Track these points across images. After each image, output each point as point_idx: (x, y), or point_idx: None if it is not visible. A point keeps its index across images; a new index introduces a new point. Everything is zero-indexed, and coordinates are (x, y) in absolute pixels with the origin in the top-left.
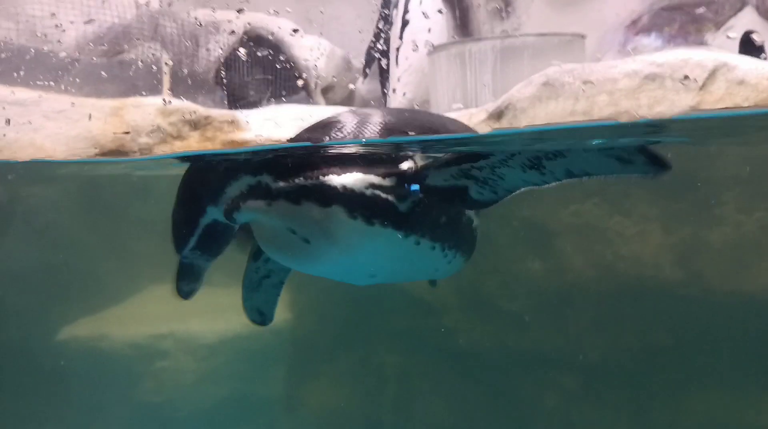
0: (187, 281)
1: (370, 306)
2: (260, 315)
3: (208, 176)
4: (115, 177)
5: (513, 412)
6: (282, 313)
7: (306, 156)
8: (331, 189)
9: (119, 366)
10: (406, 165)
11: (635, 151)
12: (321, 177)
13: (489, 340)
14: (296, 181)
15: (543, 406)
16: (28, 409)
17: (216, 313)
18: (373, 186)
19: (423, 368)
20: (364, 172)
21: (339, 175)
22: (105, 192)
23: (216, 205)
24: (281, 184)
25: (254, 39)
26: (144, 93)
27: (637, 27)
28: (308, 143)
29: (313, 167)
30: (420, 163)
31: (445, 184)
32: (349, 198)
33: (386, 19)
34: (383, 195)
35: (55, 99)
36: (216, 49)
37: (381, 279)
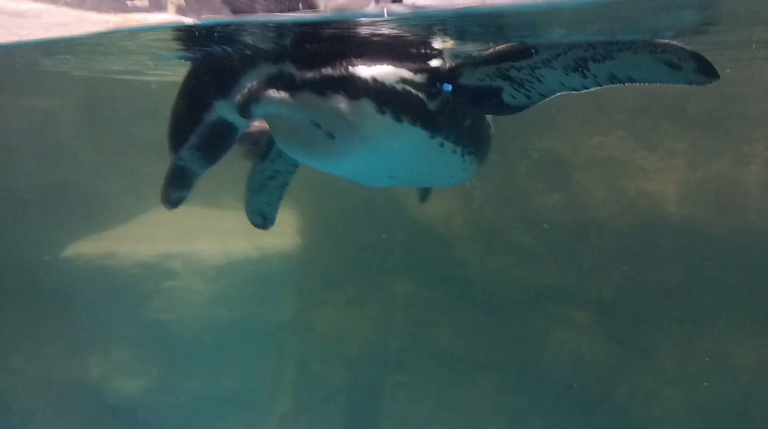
0: (176, 187)
1: (382, 234)
2: (262, 217)
3: (219, 66)
4: (121, 93)
5: (521, 345)
6: (292, 237)
7: (333, 42)
8: (361, 81)
9: (126, 284)
10: (438, 61)
11: (687, 56)
12: (350, 67)
13: (500, 272)
14: (323, 71)
15: (552, 339)
16: (30, 325)
17: (226, 235)
18: (404, 81)
19: (433, 298)
20: (396, 66)
21: (369, 66)
22: (109, 109)
23: (226, 98)
24: (306, 73)
25: None
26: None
27: None
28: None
29: (341, 56)
30: (451, 61)
31: (480, 84)
32: (379, 91)
33: None
34: (414, 91)
35: (56, 12)
36: None
37: (399, 181)
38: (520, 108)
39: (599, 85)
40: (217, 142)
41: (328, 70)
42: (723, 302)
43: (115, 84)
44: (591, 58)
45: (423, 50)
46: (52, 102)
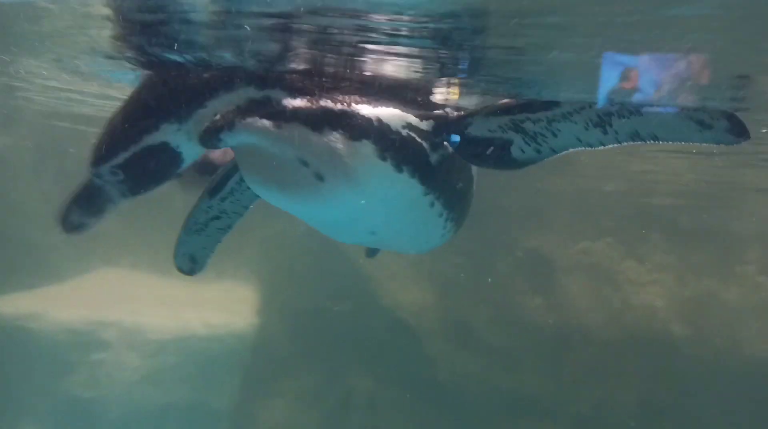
0: (82, 209)
1: (347, 320)
2: (192, 262)
3: (180, 84)
4: (80, 137)
5: None
6: (249, 316)
7: (333, 73)
8: (364, 120)
9: (49, 351)
10: (447, 109)
11: (720, 115)
12: (352, 104)
13: (472, 375)
14: (321, 102)
15: None
16: None
17: (172, 306)
18: (410, 126)
19: (396, 399)
20: (402, 109)
21: (374, 105)
22: (66, 155)
23: (180, 122)
24: (299, 103)
25: None
26: None
27: None
28: None
29: (342, 90)
30: (457, 112)
31: (489, 135)
32: (383, 134)
33: None
34: (419, 139)
35: None
36: None
37: (377, 239)
38: (526, 163)
39: (619, 142)
40: (148, 170)
41: (327, 103)
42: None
43: (74, 129)
44: (617, 113)
45: (427, 100)
46: (5, 139)
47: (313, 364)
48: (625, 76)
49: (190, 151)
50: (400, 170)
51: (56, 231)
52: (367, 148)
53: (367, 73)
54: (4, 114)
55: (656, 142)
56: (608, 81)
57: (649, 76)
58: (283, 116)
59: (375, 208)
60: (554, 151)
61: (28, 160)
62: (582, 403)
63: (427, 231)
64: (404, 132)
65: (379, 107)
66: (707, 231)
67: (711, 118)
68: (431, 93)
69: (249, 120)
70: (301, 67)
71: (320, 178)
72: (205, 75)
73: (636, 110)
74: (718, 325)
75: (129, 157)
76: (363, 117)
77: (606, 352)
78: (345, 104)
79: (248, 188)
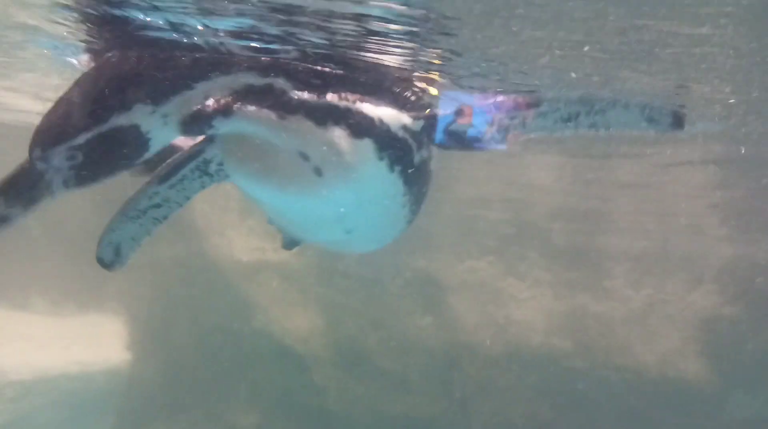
0: (12, 198)
1: (229, 351)
2: (115, 254)
3: (162, 62)
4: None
5: None
6: (120, 351)
7: (338, 67)
8: (368, 119)
9: None
10: (431, 109)
11: (668, 113)
12: (357, 102)
13: (363, 401)
14: (327, 97)
15: None
16: None
17: (35, 342)
18: (405, 128)
19: None
20: (398, 110)
21: (375, 105)
22: None
23: (157, 104)
24: (304, 95)
25: None
26: None
27: None
28: None
29: (345, 86)
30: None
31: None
32: (383, 134)
33: None
34: (410, 140)
35: None
36: None
37: (351, 237)
38: (493, 146)
39: (575, 130)
40: (107, 157)
41: (332, 98)
42: None
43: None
44: (584, 112)
45: (412, 92)
46: None
47: (192, 402)
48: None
49: (161, 138)
50: (392, 170)
51: None
52: (368, 146)
53: (365, 65)
54: None
55: (608, 130)
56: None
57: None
58: (288, 107)
59: (362, 204)
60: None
61: None
62: (473, 422)
63: (391, 229)
64: (400, 133)
65: (381, 107)
66: (578, 249)
67: (660, 115)
68: (414, 84)
69: (251, 108)
70: (303, 56)
71: (319, 172)
72: (197, 55)
73: (600, 110)
74: (592, 338)
75: (91, 138)
76: (366, 116)
77: (492, 368)
78: (349, 101)
79: (198, 178)
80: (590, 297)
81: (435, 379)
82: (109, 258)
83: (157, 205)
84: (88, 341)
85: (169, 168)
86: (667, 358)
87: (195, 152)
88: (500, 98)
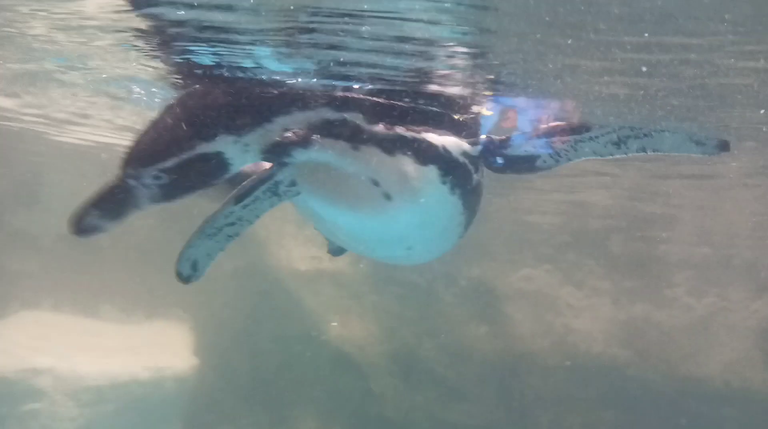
0: (104, 211)
1: (289, 359)
2: (192, 268)
3: (245, 98)
4: None
5: None
6: (187, 358)
7: (403, 102)
8: (432, 147)
9: None
10: (492, 135)
11: (714, 137)
12: (422, 132)
13: (420, 409)
14: (396, 129)
15: None
16: None
17: (107, 349)
18: (465, 153)
19: None
20: (457, 137)
21: (439, 134)
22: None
23: (239, 134)
24: (376, 128)
25: None
26: None
27: None
28: None
29: (410, 118)
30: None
31: (524, 153)
32: (446, 161)
33: None
34: (469, 165)
35: None
36: None
37: (411, 254)
38: (544, 170)
39: (626, 154)
40: (192, 177)
41: (401, 130)
42: None
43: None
44: (634, 136)
45: (469, 118)
46: None
47: (255, 407)
48: None
49: (240, 162)
50: (453, 193)
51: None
52: (432, 172)
53: (429, 95)
54: None
55: (656, 153)
56: None
57: None
58: (360, 139)
59: (425, 225)
60: (569, 161)
61: None
62: None
63: (445, 244)
64: (461, 158)
65: (444, 136)
66: (637, 257)
67: (706, 138)
68: (470, 111)
69: (328, 139)
70: (374, 92)
71: (388, 197)
72: (275, 92)
73: (648, 133)
74: (653, 347)
75: (178, 162)
76: (430, 144)
77: (551, 377)
78: (415, 131)
79: (269, 199)
80: (650, 305)
81: (491, 387)
82: (187, 272)
83: (232, 223)
84: (156, 348)
85: (244, 190)
86: (731, 368)
87: (268, 176)
88: (553, 123)
